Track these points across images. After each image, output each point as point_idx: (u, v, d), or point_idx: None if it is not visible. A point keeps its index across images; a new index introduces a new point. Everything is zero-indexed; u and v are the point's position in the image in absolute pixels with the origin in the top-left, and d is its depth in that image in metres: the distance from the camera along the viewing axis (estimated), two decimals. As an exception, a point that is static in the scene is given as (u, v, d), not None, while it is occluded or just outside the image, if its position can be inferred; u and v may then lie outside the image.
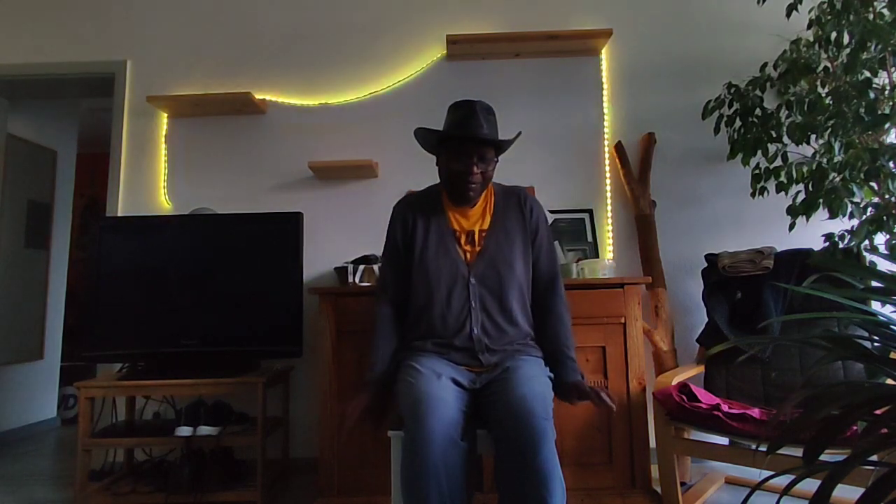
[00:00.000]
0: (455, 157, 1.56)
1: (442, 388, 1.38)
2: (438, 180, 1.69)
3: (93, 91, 2.99)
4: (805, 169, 2.00)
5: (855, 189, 1.83)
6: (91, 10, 2.86)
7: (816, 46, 2.10)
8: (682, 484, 2.17)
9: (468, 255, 1.61)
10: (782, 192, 2.09)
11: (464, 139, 1.54)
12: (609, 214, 2.65)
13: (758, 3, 2.28)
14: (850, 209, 1.85)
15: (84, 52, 2.82)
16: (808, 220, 1.98)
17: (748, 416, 1.66)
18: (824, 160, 1.95)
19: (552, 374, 1.56)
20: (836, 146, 1.91)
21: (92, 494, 2.11)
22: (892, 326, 0.94)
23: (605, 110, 2.72)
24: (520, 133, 1.71)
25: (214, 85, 2.78)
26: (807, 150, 2.11)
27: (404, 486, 1.29)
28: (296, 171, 2.71)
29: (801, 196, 2.00)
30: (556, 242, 1.86)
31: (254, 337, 2.29)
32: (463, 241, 1.62)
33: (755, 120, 2.21)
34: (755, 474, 2.17)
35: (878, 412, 0.82)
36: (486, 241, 1.61)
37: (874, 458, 0.87)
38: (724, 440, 1.79)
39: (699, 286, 2.36)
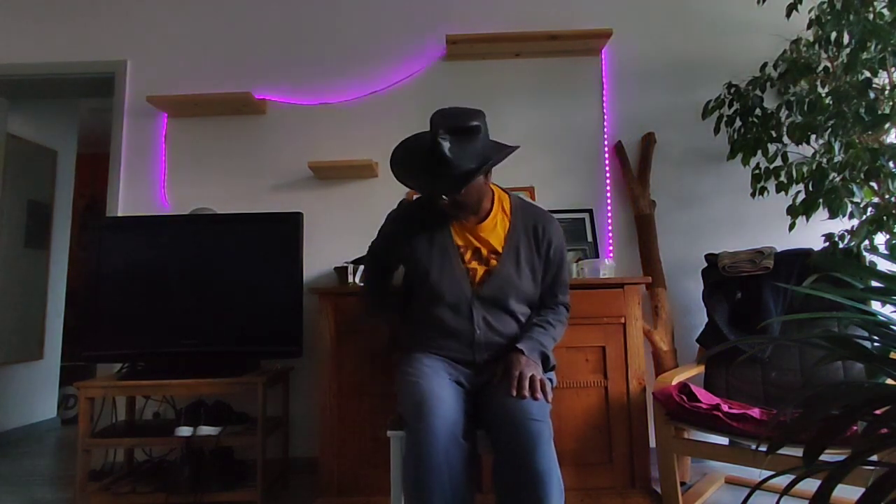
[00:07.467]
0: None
1: (443, 388, 1.39)
2: None
3: (93, 91, 2.99)
4: (805, 169, 2.00)
5: (855, 189, 1.83)
6: (91, 10, 2.86)
7: (816, 46, 2.10)
8: (682, 484, 2.16)
9: (473, 274, 1.53)
10: (782, 192, 2.09)
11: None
12: (609, 214, 2.65)
13: (758, 3, 2.27)
14: (850, 209, 1.85)
15: (84, 52, 2.82)
16: (808, 220, 1.98)
17: (748, 416, 1.66)
18: (824, 160, 1.95)
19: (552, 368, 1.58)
20: (836, 146, 1.91)
21: (92, 494, 2.11)
22: (892, 326, 0.94)
23: (606, 110, 2.72)
24: (513, 150, 1.51)
25: (214, 85, 2.78)
26: (807, 150, 2.11)
27: (407, 485, 1.29)
28: (296, 171, 2.71)
29: (801, 196, 2.00)
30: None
31: (254, 337, 2.29)
32: (468, 256, 1.54)
33: (755, 120, 2.21)
34: (755, 474, 2.17)
35: (878, 412, 0.82)
36: (499, 266, 1.53)
37: (874, 458, 0.86)
38: (724, 440, 1.78)
39: (699, 286, 2.35)
